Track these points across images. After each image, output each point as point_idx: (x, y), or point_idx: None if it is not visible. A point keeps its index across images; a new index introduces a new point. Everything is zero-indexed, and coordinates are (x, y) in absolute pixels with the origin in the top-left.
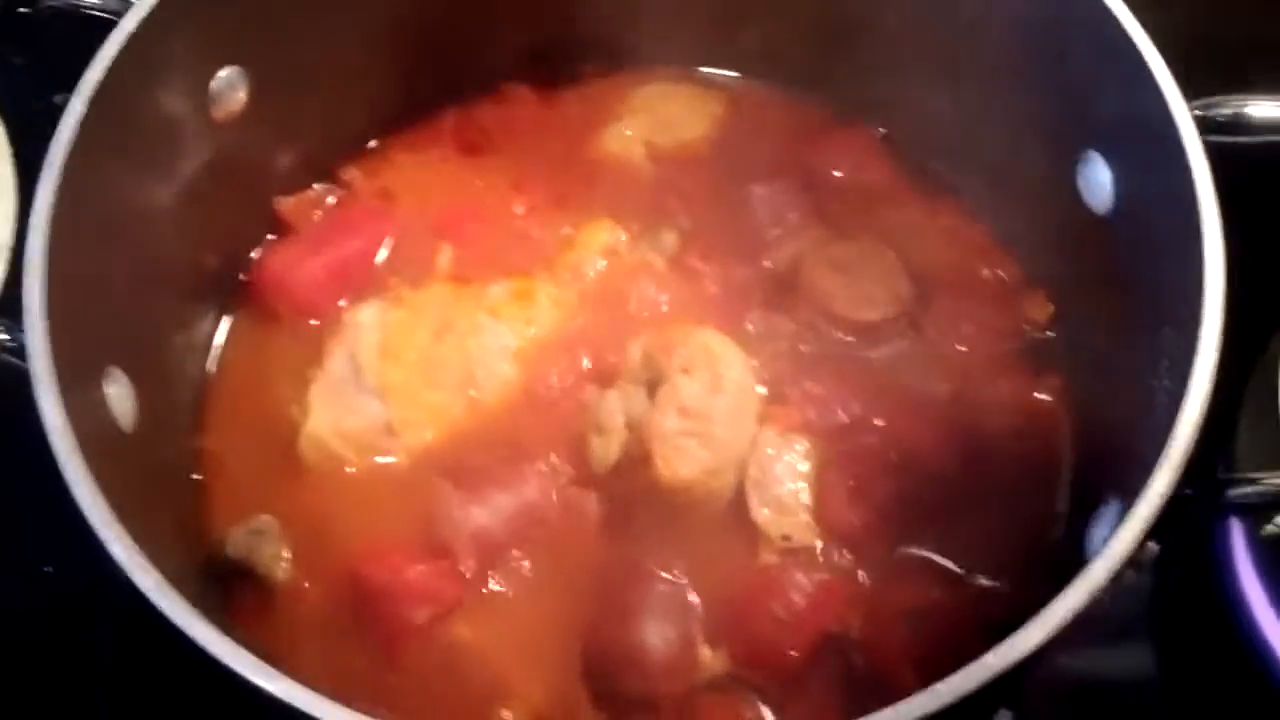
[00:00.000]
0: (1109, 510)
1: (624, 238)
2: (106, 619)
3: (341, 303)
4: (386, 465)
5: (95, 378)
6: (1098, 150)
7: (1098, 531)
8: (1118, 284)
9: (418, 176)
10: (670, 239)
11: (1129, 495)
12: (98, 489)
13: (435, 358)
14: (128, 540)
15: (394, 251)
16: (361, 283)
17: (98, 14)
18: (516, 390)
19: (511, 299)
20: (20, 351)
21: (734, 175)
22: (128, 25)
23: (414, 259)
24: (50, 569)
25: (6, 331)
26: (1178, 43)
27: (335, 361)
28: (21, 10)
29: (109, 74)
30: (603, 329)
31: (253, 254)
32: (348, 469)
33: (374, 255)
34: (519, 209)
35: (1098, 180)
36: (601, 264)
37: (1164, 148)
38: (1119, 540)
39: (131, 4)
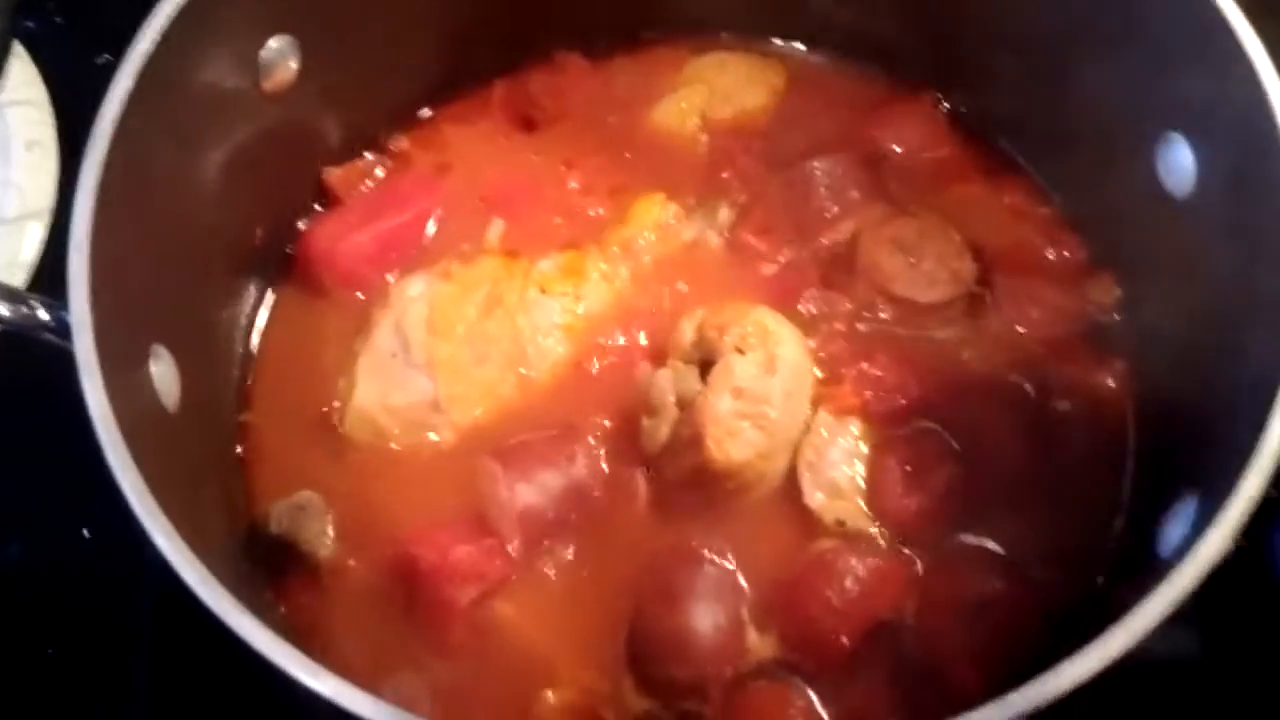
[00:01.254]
0: (1184, 507)
1: (678, 213)
2: (145, 584)
3: (389, 276)
4: (433, 442)
5: (140, 357)
6: (1180, 132)
7: (1173, 528)
8: (1194, 270)
9: (469, 148)
10: (725, 214)
11: (1208, 492)
12: (142, 479)
13: (484, 333)
14: (171, 531)
15: (443, 224)
16: (410, 256)
17: None
18: (566, 368)
19: (562, 274)
20: (64, 330)
21: (792, 149)
22: None
23: (463, 232)
24: (88, 532)
25: (49, 310)
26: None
27: (382, 336)
28: None
29: (157, 46)
30: (654, 306)
31: (300, 225)
32: (393, 446)
33: (423, 228)
34: (571, 183)
35: (1178, 163)
36: (654, 239)
37: (1256, 133)
38: (1207, 545)
39: None
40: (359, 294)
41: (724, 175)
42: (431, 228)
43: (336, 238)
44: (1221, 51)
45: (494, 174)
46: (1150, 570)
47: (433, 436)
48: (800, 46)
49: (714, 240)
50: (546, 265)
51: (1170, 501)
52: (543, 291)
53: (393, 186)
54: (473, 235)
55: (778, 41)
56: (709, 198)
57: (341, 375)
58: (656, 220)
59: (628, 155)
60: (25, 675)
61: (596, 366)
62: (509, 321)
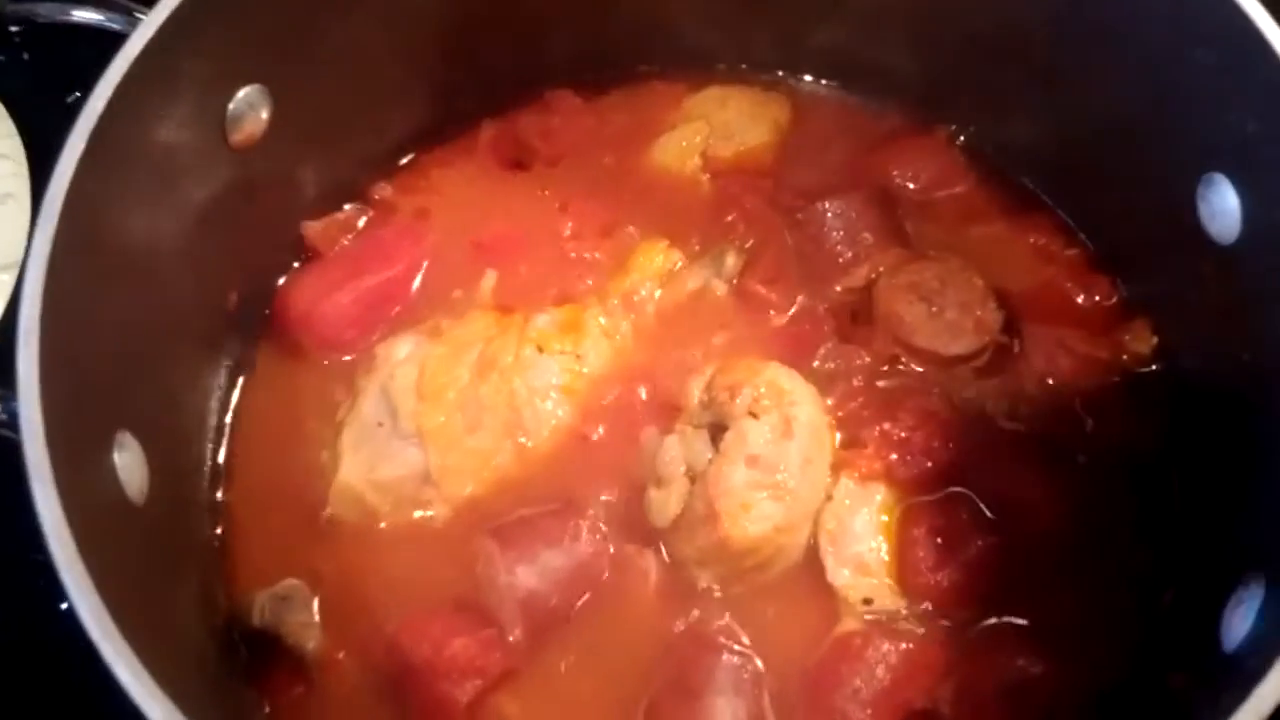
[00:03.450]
0: (1250, 593)
1: (681, 260)
2: None
3: (374, 336)
4: (425, 519)
5: (102, 449)
6: (1224, 173)
7: (1238, 616)
8: (1239, 320)
9: (456, 193)
10: (731, 261)
11: (1276, 579)
12: (100, 601)
13: (478, 398)
14: (134, 661)
15: (431, 277)
16: (396, 313)
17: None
18: (566, 434)
19: (559, 331)
20: (15, 424)
21: (800, 189)
22: (134, 47)
23: (453, 282)
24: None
25: (2, 404)
26: None
27: (367, 403)
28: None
29: (113, 102)
30: (660, 364)
31: (278, 285)
32: (382, 525)
33: (410, 282)
34: (567, 228)
35: (1222, 206)
36: (657, 290)
37: None
38: None
39: (139, 19)
40: (343, 357)
41: (729, 218)
42: (418, 281)
43: (317, 297)
44: (1270, 87)
45: (484, 221)
46: (1216, 663)
47: (424, 513)
48: (805, 78)
49: (720, 289)
50: (543, 321)
51: (1233, 584)
52: (540, 350)
53: (376, 238)
54: (463, 283)
55: (781, 73)
56: (714, 243)
57: (325, 448)
58: (659, 269)
59: (626, 198)
60: None
61: (599, 432)
62: (504, 384)
